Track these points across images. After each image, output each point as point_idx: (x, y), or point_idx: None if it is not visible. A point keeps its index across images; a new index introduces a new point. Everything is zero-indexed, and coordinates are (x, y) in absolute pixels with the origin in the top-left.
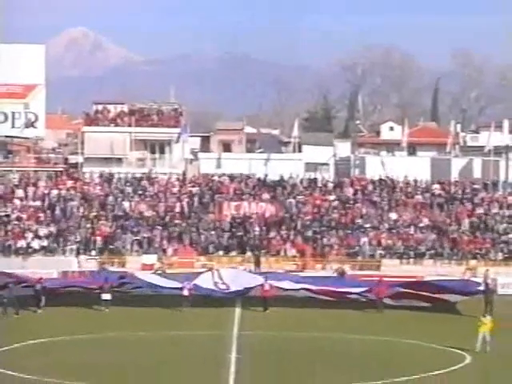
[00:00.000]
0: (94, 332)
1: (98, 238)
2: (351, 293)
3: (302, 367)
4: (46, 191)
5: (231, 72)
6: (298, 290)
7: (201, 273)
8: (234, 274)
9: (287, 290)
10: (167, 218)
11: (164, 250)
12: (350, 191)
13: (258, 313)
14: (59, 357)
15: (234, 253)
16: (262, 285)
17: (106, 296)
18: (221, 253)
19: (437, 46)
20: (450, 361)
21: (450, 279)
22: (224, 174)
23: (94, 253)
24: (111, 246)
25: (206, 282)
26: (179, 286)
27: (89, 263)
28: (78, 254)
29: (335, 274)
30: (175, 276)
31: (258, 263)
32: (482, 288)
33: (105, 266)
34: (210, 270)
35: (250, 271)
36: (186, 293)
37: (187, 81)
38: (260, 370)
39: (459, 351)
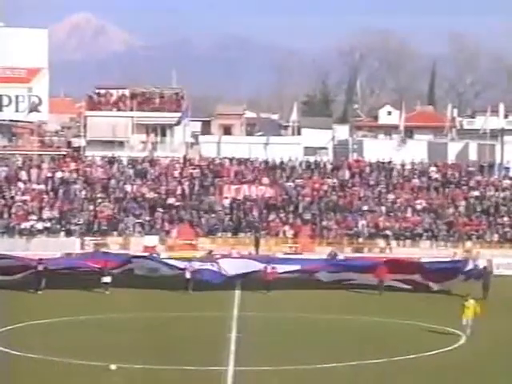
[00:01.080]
0: (96, 313)
1: (101, 221)
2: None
3: (299, 346)
4: (50, 174)
5: (231, 56)
6: (296, 272)
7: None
8: (232, 263)
9: (288, 272)
10: (169, 201)
11: (165, 232)
12: (348, 174)
13: (259, 295)
14: (63, 336)
15: (234, 235)
16: (264, 268)
17: (106, 279)
18: (221, 235)
19: (433, 31)
20: (445, 341)
21: (441, 260)
22: (225, 158)
23: (96, 235)
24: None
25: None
26: (182, 266)
27: (91, 245)
28: (80, 235)
29: (328, 257)
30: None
31: (257, 245)
32: (470, 267)
33: (100, 248)
34: (210, 253)
35: (250, 254)
36: (188, 275)
37: (188, 65)
38: (259, 349)
39: (455, 331)
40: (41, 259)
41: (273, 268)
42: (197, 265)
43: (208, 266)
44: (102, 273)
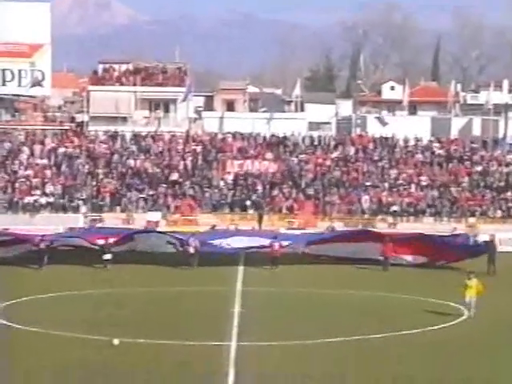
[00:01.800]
0: (98, 288)
1: (104, 196)
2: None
3: (302, 321)
4: (53, 149)
5: (235, 31)
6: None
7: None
8: (237, 238)
9: (294, 248)
10: (172, 176)
11: (168, 207)
12: (351, 150)
13: (263, 270)
14: (65, 310)
15: (237, 210)
16: (271, 244)
17: (107, 256)
18: (224, 210)
19: (437, 6)
20: (449, 315)
21: (444, 234)
22: (228, 133)
23: (100, 210)
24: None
25: (208, 238)
26: (185, 239)
27: (95, 220)
28: (83, 210)
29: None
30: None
31: (260, 221)
32: (471, 242)
33: (96, 224)
34: (213, 227)
35: (253, 229)
36: (191, 250)
37: (191, 40)
38: (262, 324)
39: (459, 306)
40: (43, 236)
41: (280, 244)
42: (201, 238)
43: (213, 240)
44: (103, 250)
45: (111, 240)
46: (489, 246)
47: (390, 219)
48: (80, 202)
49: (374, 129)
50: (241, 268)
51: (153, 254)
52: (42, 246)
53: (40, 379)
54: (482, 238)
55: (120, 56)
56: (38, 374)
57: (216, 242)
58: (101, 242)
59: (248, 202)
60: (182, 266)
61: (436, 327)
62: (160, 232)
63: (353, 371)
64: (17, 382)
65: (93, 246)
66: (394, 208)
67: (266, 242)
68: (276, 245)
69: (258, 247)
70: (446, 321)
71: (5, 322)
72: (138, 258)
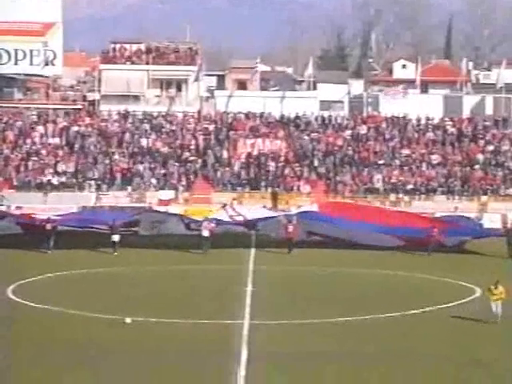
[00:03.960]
0: (109, 267)
1: (116, 174)
2: None
3: (315, 300)
4: (65, 128)
5: (245, 10)
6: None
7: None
8: (247, 208)
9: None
10: (184, 155)
11: (181, 186)
12: (363, 128)
13: (275, 253)
14: (76, 289)
15: (250, 189)
16: (285, 227)
17: (115, 237)
18: (237, 189)
19: None
20: (460, 294)
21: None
22: (240, 112)
23: (113, 188)
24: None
25: (222, 216)
26: (200, 220)
27: (107, 198)
28: (96, 189)
29: None
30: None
31: (275, 199)
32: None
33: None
34: (225, 206)
35: (265, 207)
36: (205, 233)
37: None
38: (274, 302)
39: (469, 285)
40: (49, 218)
41: (294, 226)
42: (214, 215)
43: (222, 212)
44: (111, 231)
45: (119, 222)
46: (509, 232)
47: (406, 198)
48: (92, 182)
49: (386, 108)
50: (252, 250)
51: (165, 237)
52: (48, 227)
53: (53, 356)
54: (493, 217)
55: (131, 35)
56: (51, 351)
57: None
58: (109, 222)
59: (261, 181)
60: (194, 248)
61: (445, 305)
62: (173, 214)
63: (363, 348)
64: (30, 357)
65: (100, 227)
66: (410, 186)
67: (275, 213)
68: (290, 227)
69: (271, 218)
70: (455, 299)
71: (19, 300)
72: (147, 241)
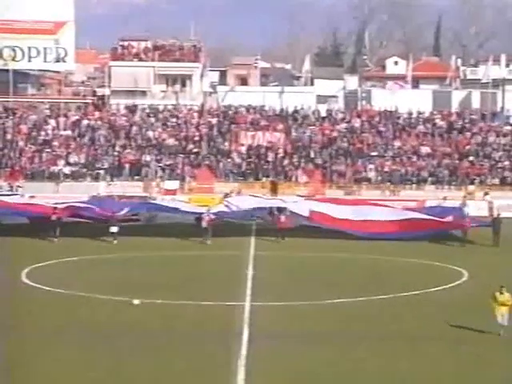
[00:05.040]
0: (116, 252)
1: (124, 165)
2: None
3: (311, 282)
4: (76, 121)
5: (247, 9)
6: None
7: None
8: (241, 199)
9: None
10: (188, 147)
11: (185, 177)
12: (357, 122)
13: (274, 241)
14: (87, 273)
15: (250, 179)
16: (278, 217)
17: (113, 228)
18: (238, 179)
19: None
20: (448, 278)
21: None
22: (241, 106)
23: (121, 178)
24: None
25: (220, 209)
26: (200, 211)
27: (115, 188)
28: (105, 179)
29: None
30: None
31: (274, 189)
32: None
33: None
34: (227, 195)
35: (255, 196)
36: (204, 224)
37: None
38: (274, 285)
39: (458, 268)
40: (55, 208)
41: (286, 216)
42: (214, 211)
43: (221, 207)
44: (111, 222)
45: (121, 213)
46: (496, 221)
47: (392, 187)
48: (101, 172)
49: (379, 102)
50: (253, 239)
51: (164, 227)
52: (54, 217)
53: (69, 335)
54: (480, 205)
55: (138, 34)
56: (66, 331)
57: (225, 208)
58: (109, 213)
59: (261, 172)
60: (196, 237)
61: (434, 289)
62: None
63: (358, 329)
64: (44, 339)
65: (102, 216)
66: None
67: (274, 206)
68: (282, 217)
69: (265, 209)
70: (444, 283)
71: (32, 284)
72: (149, 230)
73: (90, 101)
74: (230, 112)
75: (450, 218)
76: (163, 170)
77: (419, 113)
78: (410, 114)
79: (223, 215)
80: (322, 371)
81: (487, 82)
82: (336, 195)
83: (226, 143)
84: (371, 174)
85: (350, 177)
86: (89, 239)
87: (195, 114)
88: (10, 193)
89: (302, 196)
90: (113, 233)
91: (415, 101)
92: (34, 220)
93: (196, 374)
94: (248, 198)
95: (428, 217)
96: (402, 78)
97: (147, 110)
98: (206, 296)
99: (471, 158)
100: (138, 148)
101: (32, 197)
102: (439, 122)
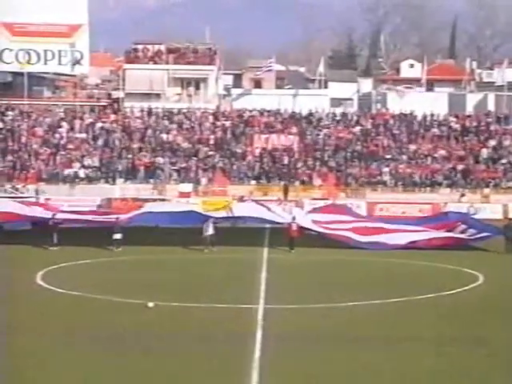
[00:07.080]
0: (128, 255)
1: (139, 168)
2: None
3: (322, 285)
4: (91, 124)
5: (261, 12)
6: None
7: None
8: (243, 206)
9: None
10: (202, 149)
11: (199, 179)
12: (371, 124)
13: (285, 251)
14: (100, 275)
15: (263, 182)
16: (289, 225)
17: (117, 236)
18: (252, 182)
19: None
20: (463, 281)
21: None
22: (255, 109)
23: (136, 181)
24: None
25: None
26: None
27: (129, 191)
28: (120, 182)
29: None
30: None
31: (286, 192)
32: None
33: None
34: (241, 198)
35: (279, 199)
36: (210, 231)
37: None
38: (287, 288)
39: (473, 272)
40: (54, 214)
41: (298, 225)
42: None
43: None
44: (113, 229)
45: (123, 217)
46: (508, 228)
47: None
48: (116, 174)
49: (394, 105)
50: (265, 249)
51: (169, 234)
52: (51, 223)
53: (84, 336)
54: (495, 208)
55: (152, 37)
56: (81, 332)
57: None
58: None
59: (274, 175)
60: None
61: (449, 292)
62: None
63: (372, 332)
64: (56, 341)
65: (102, 225)
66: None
67: (285, 220)
68: (294, 225)
69: (275, 223)
70: (459, 286)
71: (46, 286)
72: (155, 238)
73: (105, 104)
74: (245, 115)
75: (461, 227)
76: (177, 172)
77: (434, 116)
78: (425, 117)
79: (230, 220)
80: (335, 373)
81: (502, 85)
82: (349, 198)
83: (241, 146)
84: (386, 178)
85: (362, 180)
86: (91, 247)
87: (210, 117)
88: (25, 195)
89: (316, 199)
90: (116, 239)
91: (430, 104)
92: (36, 226)
93: (210, 375)
94: (249, 206)
95: (447, 235)
96: (417, 80)
97: (161, 113)
98: (220, 298)
99: (486, 162)
100: (152, 151)
101: (47, 199)
102: (454, 125)
